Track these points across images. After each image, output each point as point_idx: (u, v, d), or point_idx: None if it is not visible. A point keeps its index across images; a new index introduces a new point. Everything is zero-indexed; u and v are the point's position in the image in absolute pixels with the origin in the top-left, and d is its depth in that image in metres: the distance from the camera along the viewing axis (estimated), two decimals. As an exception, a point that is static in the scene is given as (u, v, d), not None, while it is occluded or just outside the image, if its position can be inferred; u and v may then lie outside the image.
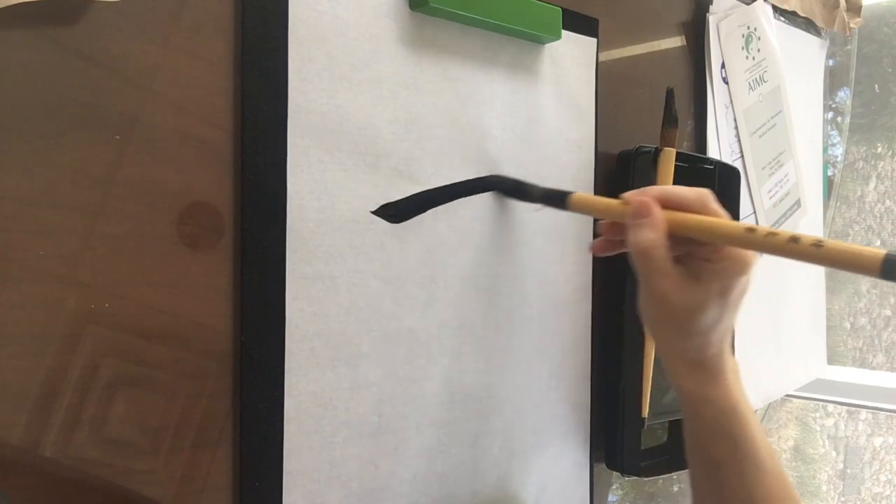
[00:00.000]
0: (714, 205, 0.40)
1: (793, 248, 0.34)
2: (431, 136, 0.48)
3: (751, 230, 0.36)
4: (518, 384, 0.54)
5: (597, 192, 0.59)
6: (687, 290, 0.39)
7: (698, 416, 0.42)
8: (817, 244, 0.33)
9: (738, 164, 0.75)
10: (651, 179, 0.58)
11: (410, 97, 0.46)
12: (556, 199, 0.48)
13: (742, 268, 0.39)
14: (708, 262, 0.39)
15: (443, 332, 0.48)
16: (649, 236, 0.39)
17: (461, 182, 0.50)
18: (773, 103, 0.81)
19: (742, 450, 0.41)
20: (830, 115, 1.02)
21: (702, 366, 0.41)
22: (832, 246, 0.33)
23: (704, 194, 0.40)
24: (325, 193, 0.42)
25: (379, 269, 0.45)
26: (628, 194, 0.41)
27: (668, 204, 0.40)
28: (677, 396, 0.43)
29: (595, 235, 0.59)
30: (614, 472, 0.63)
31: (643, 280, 0.40)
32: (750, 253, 0.39)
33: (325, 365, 0.42)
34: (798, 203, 0.86)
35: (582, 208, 0.47)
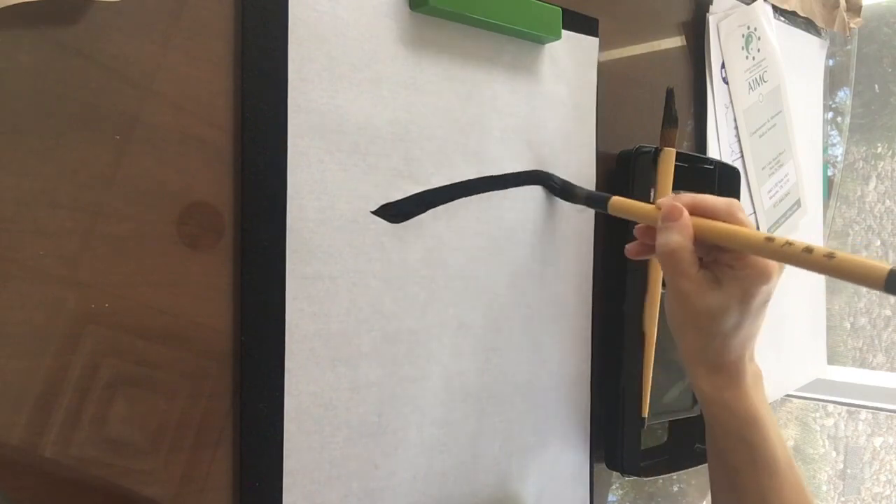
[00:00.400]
0: (741, 214, 0.41)
1: (806, 258, 0.36)
2: (431, 136, 0.48)
3: (769, 239, 0.38)
4: (518, 384, 0.54)
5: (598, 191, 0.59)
6: (708, 293, 0.40)
7: (716, 419, 0.43)
8: (829, 255, 0.35)
9: (738, 164, 0.75)
10: (651, 179, 0.58)
11: (410, 97, 0.46)
12: (598, 201, 0.51)
13: (762, 276, 0.40)
14: (731, 268, 0.40)
15: (443, 332, 0.48)
16: (676, 238, 0.40)
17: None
18: (773, 103, 0.81)
19: (758, 457, 0.42)
20: (830, 115, 1.02)
21: (720, 369, 0.42)
22: (842, 258, 0.34)
23: (733, 204, 0.42)
24: (325, 193, 0.42)
25: (379, 269, 0.45)
26: (662, 200, 0.43)
27: (697, 210, 0.41)
28: (697, 399, 0.44)
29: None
30: (614, 472, 0.63)
31: (668, 281, 0.42)
32: (772, 263, 0.40)
33: (325, 365, 0.42)
34: (798, 203, 0.86)
35: (620, 211, 0.49)
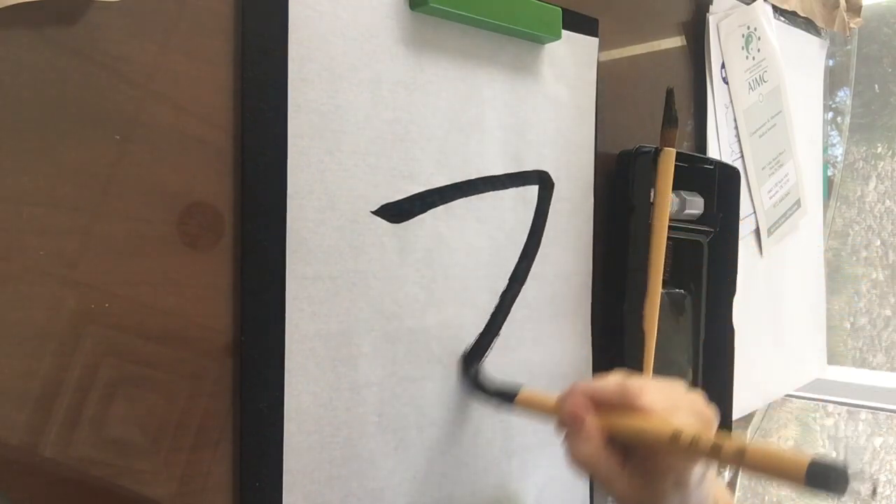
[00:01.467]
0: (640, 400, 0.37)
1: (716, 456, 0.33)
2: (431, 136, 0.48)
3: (675, 438, 0.34)
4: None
5: (597, 192, 0.59)
6: (641, 489, 0.37)
7: None
8: (740, 451, 0.32)
9: (738, 164, 0.75)
10: (651, 179, 0.58)
11: (410, 97, 0.46)
12: (506, 396, 0.47)
13: (690, 460, 0.37)
14: (650, 460, 0.37)
15: (443, 332, 0.48)
16: (584, 451, 0.38)
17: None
18: (773, 103, 0.81)
19: None
20: (830, 115, 1.02)
21: None
22: (754, 451, 0.31)
23: (626, 390, 0.38)
24: (324, 193, 0.42)
25: (379, 269, 0.45)
26: (560, 398, 0.39)
27: (596, 404, 0.38)
28: None
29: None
30: (614, 472, 0.63)
31: (595, 482, 0.39)
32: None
33: (325, 365, 0.42)
34: (798, 203, 0.86)
35: (526, 406, 0.45)
